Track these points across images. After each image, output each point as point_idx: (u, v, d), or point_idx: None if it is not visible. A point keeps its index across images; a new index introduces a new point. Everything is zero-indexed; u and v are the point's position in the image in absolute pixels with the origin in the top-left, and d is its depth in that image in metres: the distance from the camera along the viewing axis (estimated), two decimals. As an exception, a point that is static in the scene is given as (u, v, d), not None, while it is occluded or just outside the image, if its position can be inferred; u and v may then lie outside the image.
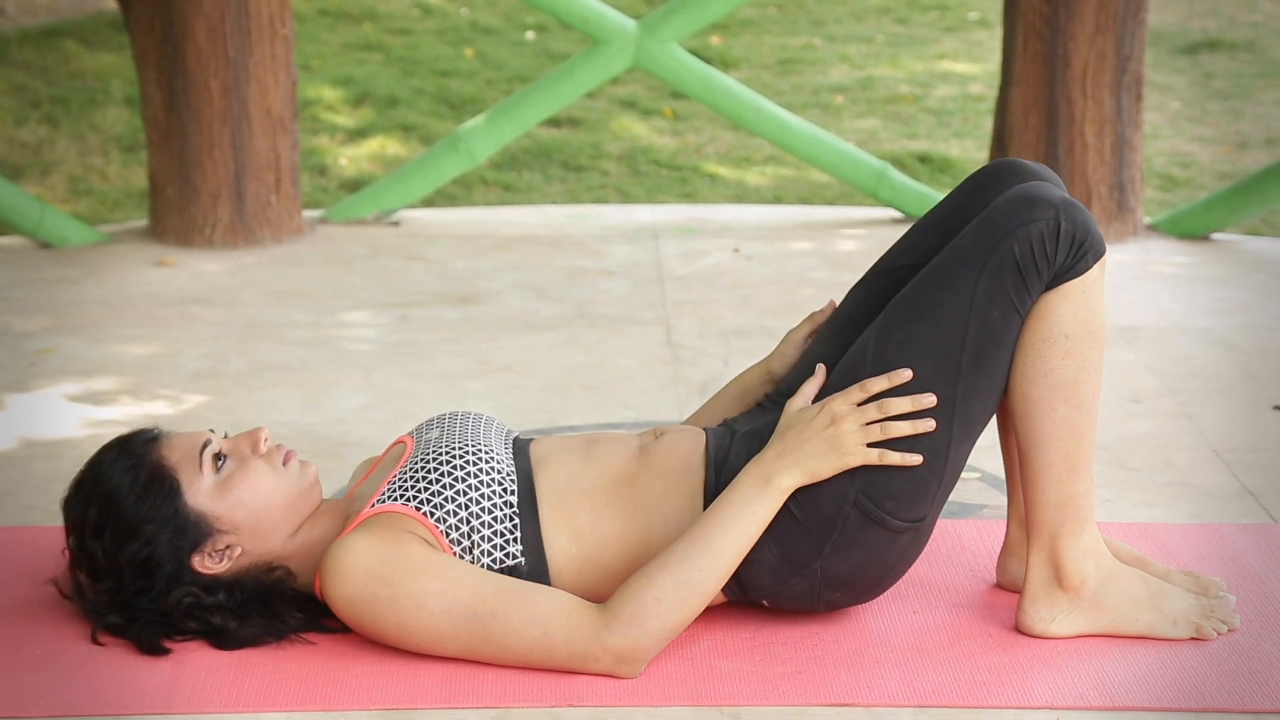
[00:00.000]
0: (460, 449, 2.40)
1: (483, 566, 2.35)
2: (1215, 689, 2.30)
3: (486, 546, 2.35)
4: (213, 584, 2.37)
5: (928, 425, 2.30)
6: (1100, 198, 4.50)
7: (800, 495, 2.34)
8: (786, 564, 2.36)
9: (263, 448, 2.41)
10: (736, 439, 2.43)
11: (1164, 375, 3.59)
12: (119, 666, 2.34)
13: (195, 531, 2.35)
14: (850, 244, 4.62)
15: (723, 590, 2.41)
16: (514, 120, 4.75)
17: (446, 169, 4.78)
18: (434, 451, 2.41)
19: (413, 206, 4.90)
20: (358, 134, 6.31)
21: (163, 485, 2.35)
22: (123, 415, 3.36)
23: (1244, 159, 5.98)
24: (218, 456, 2.39)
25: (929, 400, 2.30)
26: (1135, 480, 3.04)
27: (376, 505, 2.37)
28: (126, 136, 6.05)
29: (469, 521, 2.35)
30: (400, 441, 2.53)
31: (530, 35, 7.84)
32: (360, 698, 2.27)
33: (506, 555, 2.36)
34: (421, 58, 7.40)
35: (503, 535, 2.36)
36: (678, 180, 5.78)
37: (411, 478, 2.38)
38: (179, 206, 4.48)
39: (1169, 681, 2.31)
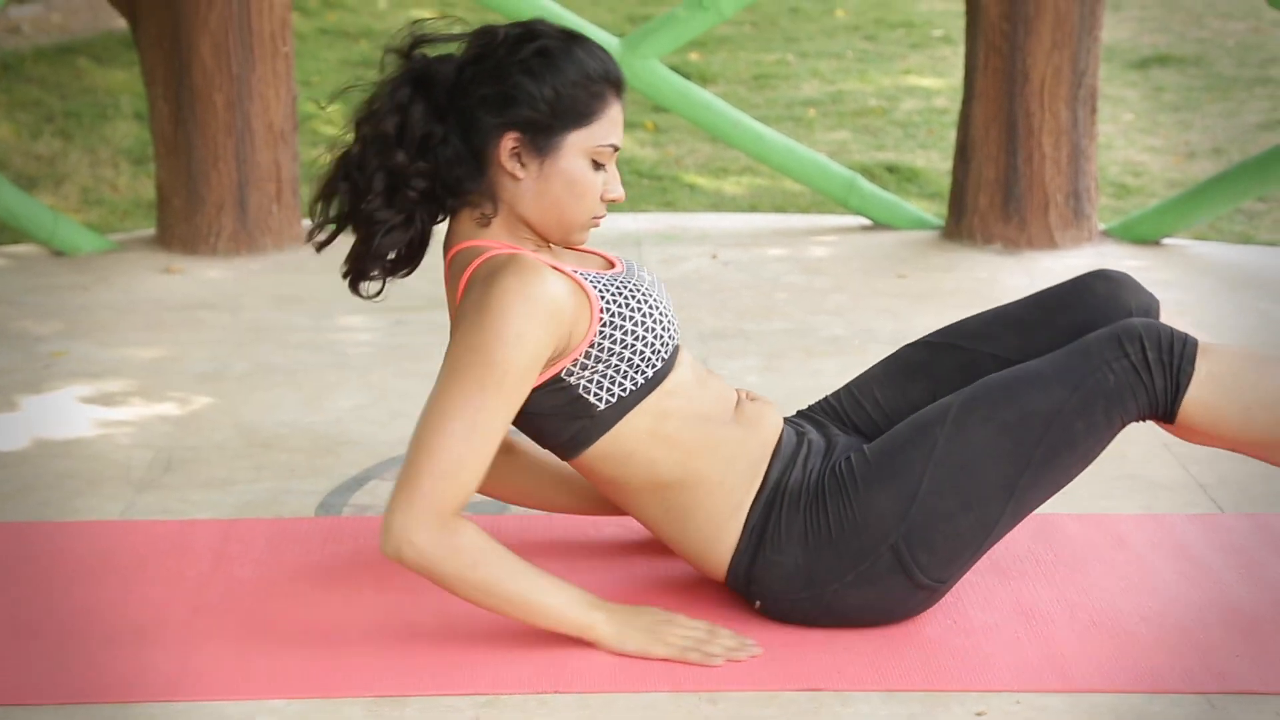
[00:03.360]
0: (661, 311, 2.33)
1: (576, 379, 2.26)
2: (1167, 672, 2.29)
3: (600, 368, 2.27)
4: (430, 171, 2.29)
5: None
6: (1057, 205, 4.49)
7: (845, 520, 2.30)
8: (804, 577, 2.33)
9: (604, 205, 2.35)
10: (807, 450, 2.39)
11: (1118, 374, 3.58)
12: (126, 656, 2.33)
13: (544, 112, 2.26)
14: (822, 250, 4.61)
15: (727, 574, 2.37)
16: (503, 133, 4.73)
17: (439, 180, 4.76)
18: (645, 292, 2.33)
19: (407, 215, 4.87)
20: (355, 146, 6.28)
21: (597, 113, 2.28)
22: (132, 416, 3.34)
23: (1192, 168, 5.99)
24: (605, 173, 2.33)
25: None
26: (1091, 473, 3.02)
27: (580, 274, 2.29)
28: (135, 149, 6.02)
29: (614, 350, 2.27)
30: (606, 259, 2.45)
31: (519, 52, 7.82)
32: (357, 685, 2.26)
33: (601, 390, 2.28)
34: (416, 73, 7.37)
35: (616, 381, 2.28)
36: (659, 190, 5.77)
37: (616, 287, 2.30)
38: (185, 216, 4.46)
39: (1123, 665, 2.31)
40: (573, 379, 2.28)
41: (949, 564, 2.31)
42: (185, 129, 4.40)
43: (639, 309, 2.31)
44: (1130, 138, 6.39)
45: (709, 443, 2.34)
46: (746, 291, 4.22)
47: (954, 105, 6.78)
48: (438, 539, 2.20)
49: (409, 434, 3.23)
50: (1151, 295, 2.48)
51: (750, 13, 8.64)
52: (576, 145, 2.29)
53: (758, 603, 2.39)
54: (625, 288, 2.32)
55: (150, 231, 4.68)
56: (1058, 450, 2.30)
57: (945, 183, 5.64)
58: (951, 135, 6.25)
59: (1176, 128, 6.51)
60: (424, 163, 2.29)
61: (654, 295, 2.35)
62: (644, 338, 2.30)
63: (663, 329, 2.32)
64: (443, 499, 2.20)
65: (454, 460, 2.20)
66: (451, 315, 2.34)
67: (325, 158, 2.37)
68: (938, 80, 7.40)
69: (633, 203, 5.61)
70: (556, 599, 2.27)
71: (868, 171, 5.87)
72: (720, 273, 4.38)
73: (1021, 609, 2.46)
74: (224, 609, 2.48)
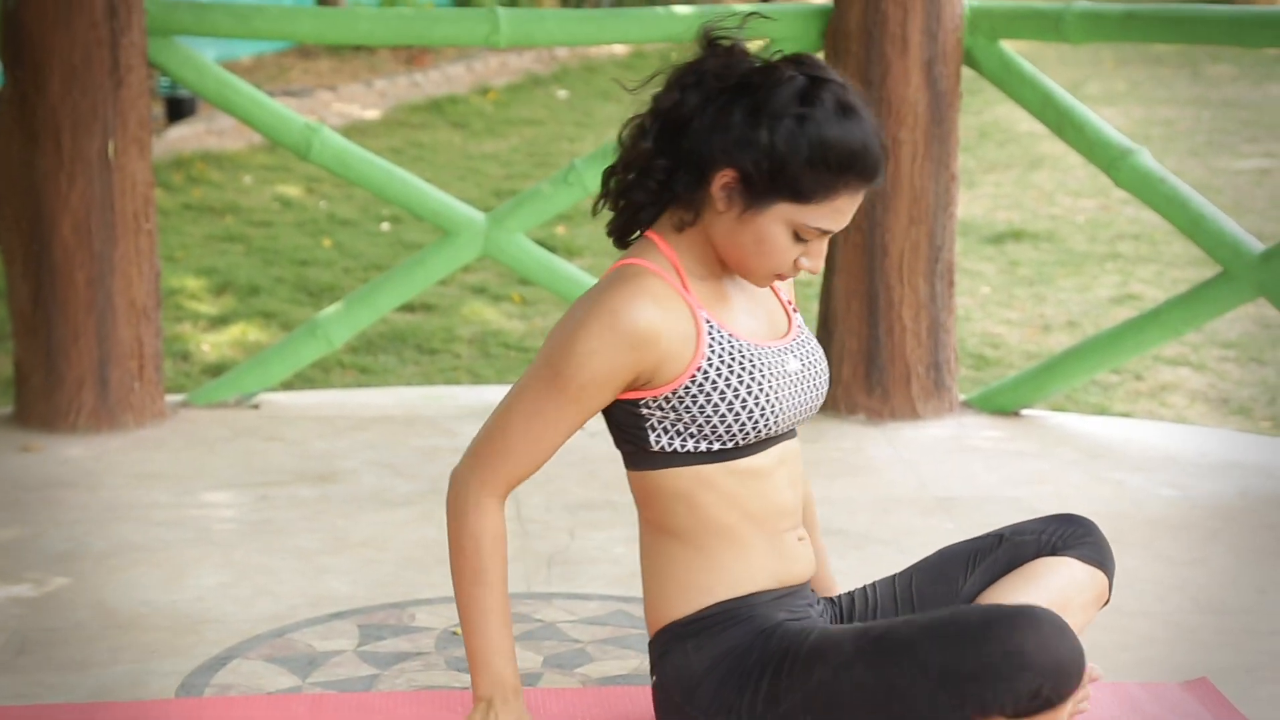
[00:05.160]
0: (770, 404, 2.32)
1: (649, 412, 2.31)
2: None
3: (674, 417, 2.31)
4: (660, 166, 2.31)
5: None
6: (918, 376, 4.59)
7: (747, 687, 2.30)
8: (687, 688, 2.32)
9: (793, 269, 2.32)
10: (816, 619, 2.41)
11: (980, 542, 3.64)
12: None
13: (763, 173, 2.25)
14: (688, 422, 4.65)
15: (656, 634, 2.37)
16: (370, 307, 4.76)
17: (305, 354, 4.76)
18: (765, 380, 2.32)
19: (272, 390, 4.86)
20: (220, 321, 6.28)
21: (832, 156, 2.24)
22: (-15, 597, 3.28)
23: (1048, 340, 6.15)
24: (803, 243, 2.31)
25: None
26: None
27: (711, 323, 2.31)
28: (-7, 325, 5.95)
29: (691, 410, 2.30)
30: (789, 323, 2.44)
31: (385, 226, 7.88)
32: None
33: (663, 437, 2.33)
34: (281, 248, 7.40)
35: (681, 436, 2.32)
36: (526, 361, 5.81)
37: (740, 357, 2.31)
38: (44, 394, 4.41)
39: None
40: (646, 410, 2.32)
41: None
42: (45, 307, 4.37)
43: (743, 389, 2.31)
44: (988, 310, 6.56)
45: (730, 531, 2.34)
46: (613, 464, 4.21)
47: (816, 278, 6.92)
48: (473, 501, 2.35)
49: (273, 612, 3.21)
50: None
51: (615, 189, 8.78)
52: (782, 214, 2.28)
53: (655, 677, 2.38)
54: (748, 362, 2.32)
55: (8, 409, 4.62)
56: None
57: (809, 355, 5.74)
58: (814, 307, 6.37)
59: (1032, 301, 6.70)
60: (665, 158, 2.30)
61: (773, 388, 2.33)
62: (725, 416, 2.30)
63: (758, 418, 2.32)
64: (493, 471, 2.35)
65: (507, 441, 2.34)
66: None
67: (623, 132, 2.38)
68: (800, 254, 7.54)
69: (500, 374, 5.64)
70: (488, 653, 2.35)
71: (733, 344, 5.95)
72: (588, 444, 4.38)
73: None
74: (79, 796, 2.42)
